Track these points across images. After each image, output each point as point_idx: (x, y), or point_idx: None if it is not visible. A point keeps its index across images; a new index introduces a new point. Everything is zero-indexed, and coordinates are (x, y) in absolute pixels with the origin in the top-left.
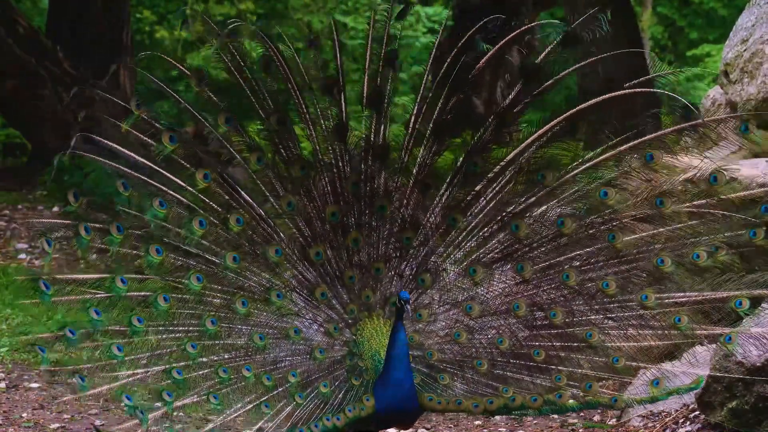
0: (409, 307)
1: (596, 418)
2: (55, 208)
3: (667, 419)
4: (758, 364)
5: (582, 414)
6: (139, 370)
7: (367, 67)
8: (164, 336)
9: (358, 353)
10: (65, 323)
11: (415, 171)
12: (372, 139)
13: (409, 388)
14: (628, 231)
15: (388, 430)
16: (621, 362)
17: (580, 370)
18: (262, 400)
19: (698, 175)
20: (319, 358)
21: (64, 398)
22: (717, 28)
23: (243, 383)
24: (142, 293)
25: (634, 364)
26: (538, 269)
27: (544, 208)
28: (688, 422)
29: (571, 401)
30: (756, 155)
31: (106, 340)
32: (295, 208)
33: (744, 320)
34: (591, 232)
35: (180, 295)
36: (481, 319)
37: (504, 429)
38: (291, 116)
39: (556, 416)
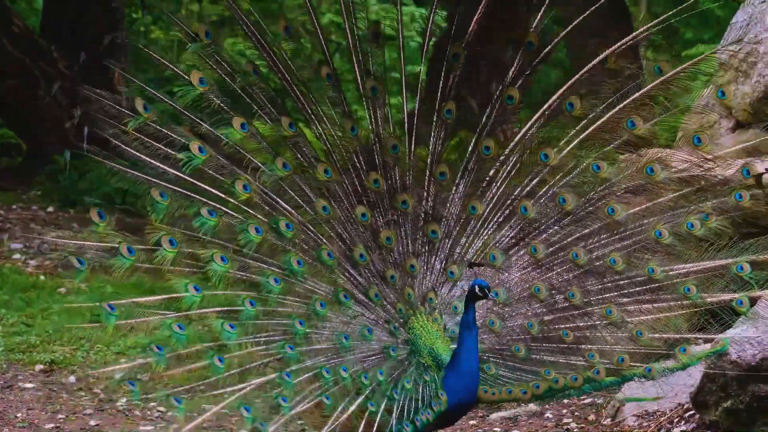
0: (490, 294)
1: (591, 417)
2: (50, 208)
3: (662, 419)
4: (753, 363)
5: (577, 413)
6: (242, 384)
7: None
8: (261, 341)
9: (417, 351)
10: (150, 341)
11: (429, 161)
12: (378, 131)
13: (476, 380)
14: (624, 204)
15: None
16: (644, 335)
17: (608, 347)
18: (366, 398)
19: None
20: (393, 356)
21: (173, 427)
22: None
23: (342, 383)
24: (219, 308)
25: (656, 335)
26: (549, 252)
27: (546, 187)
28: (683, 422)
29: (608, 377)
30: (749, 155)
31: (200, 354)
32: (330, 212)
33: (737, 321)
34: (590, 209)
35: (263, 297)
36: (508, 305)
37: (499, 429)
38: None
39: (556, 413)
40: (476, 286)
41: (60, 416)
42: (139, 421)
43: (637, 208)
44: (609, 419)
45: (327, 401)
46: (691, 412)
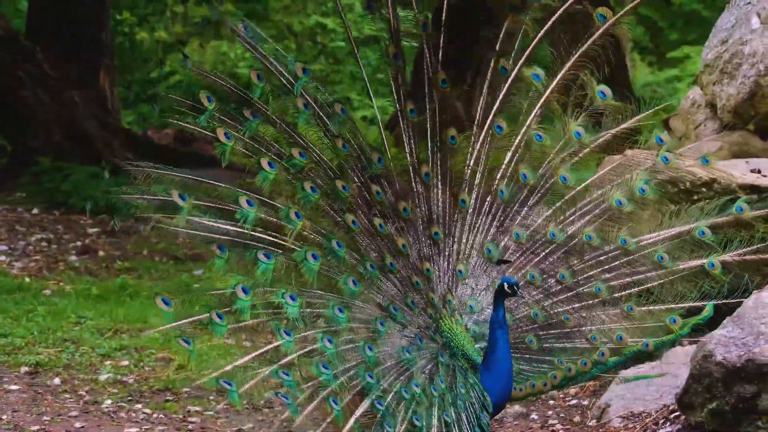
0: (520, 291)
1: (576, 419)
2: (35, 210)
3: (647, 420)
4: (738, 365)
5: (562, 415)
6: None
7: None
8: (349, 373)
9: (454, 354)
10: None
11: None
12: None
13: (512, 379)
14: (576, 173)
15: None
16: (635, 309)
17: (606, 326)
18: (440, 410)
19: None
20: (443, 362)
21: None
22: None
23: (419, 398)
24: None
25: (644, 308)
26: (528, 235)
27: (515, 163)
28: (669, 423)
29: (612, 357)
30: (735, 156)
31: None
32: (359, 225)
33: (724, 321)
34: (551, 181)
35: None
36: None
37: None
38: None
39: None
40: (505, 284)
41: (45, 418)
42: (124, 423)
43: (592, 178)
44: (594, 420)
45: (417, 422)
46: (677, 414)
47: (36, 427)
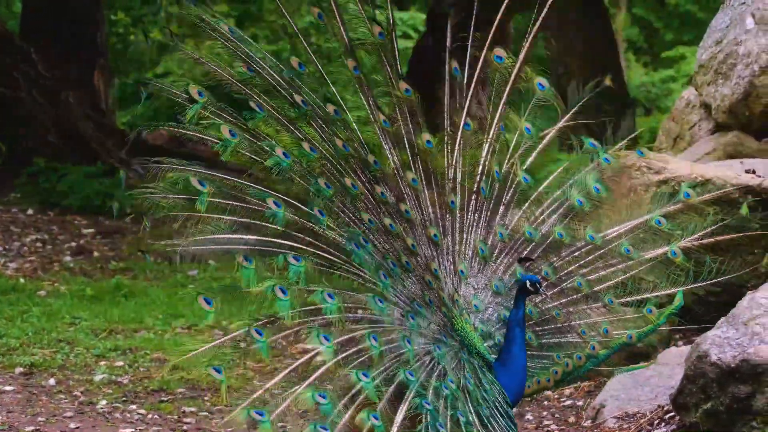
0: (543, 289)
1: (571, 419)
2: (30, 211)
3: (642, 420)
4: (733, 365)
5: (557, 415)
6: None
7: None
8: (390, 379)
9: (471, 352)
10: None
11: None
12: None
13: (526, 376)
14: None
15: None
16: (614, 302)
17: (592, 320)
18: (477, 404)
19: None
20: (465, 358)
21: None
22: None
23: (454, 391)
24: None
25: (623, 300)
26: (509, 233)
27: (488, 159)
28: (663, 423)
29: (602, 350)
30: (730, 156)
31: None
32: (375, 224)
33: (718, 322)
34: (516, 180)
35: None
36: (506, 294)
37: None
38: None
39: (537, 415)
40: (527, 281)
41: (40, 419)
42: (119, 424)
43: (548, 180)
44: (589, 421)
45: (461, 417)
46: (672, 414)
47: (31, 428)
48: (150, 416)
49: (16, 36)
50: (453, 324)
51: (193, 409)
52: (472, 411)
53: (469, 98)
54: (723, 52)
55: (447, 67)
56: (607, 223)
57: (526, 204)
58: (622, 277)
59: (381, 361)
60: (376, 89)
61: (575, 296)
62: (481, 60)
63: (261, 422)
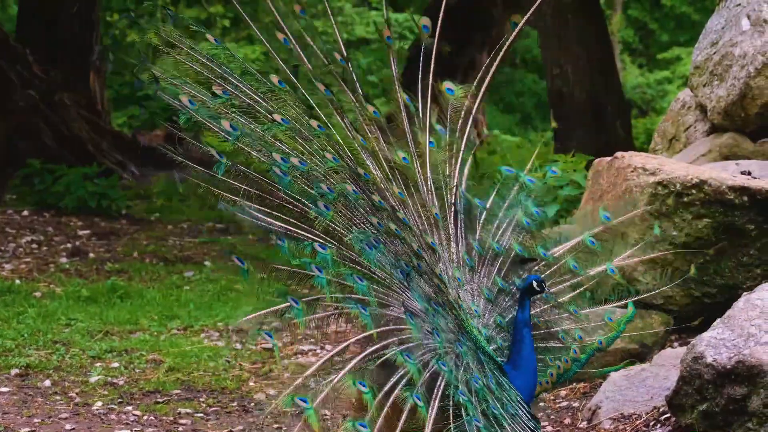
0: (548, 289)
1: (567, 421)
2: (25, 212)
3: (638, 422)
4: (728, 367)
5: (553, 417)
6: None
7: None
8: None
9: (484, 355)
10: None
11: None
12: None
13: (537, 378)
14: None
15: None
16: (579, 312)
17: (566, 327)
18: (502, 401)
19: None
20: (485, 360)
21: None
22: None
23: (483, 387)
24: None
25: (585, 311)
26: (480, 246)
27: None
28: (659, 425)
29: (582, 354)
30: (726, 158)
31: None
32: (384, 226)
33: (714, 323)
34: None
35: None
36: (496, 299)
37: None
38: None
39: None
40: (533, 282)
41: (35, 420)
42: (115, 425)
43: (489, 202)
44: (585, 422)
45: (495, 411)
46: (667, 415)
47: (26, 429)
48: (146, 417)
49: (11, 38)
50: (464, 326)
51: (188, 410)
52: (500, 407)
53: (428, 117)
54: (718, 54)
55: (400, 98)
56: (553, 241)
57: (482, 219)
58: (579, 290)
59: (419, 347)
60: (347, 112)
61: (546, 306)
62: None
63: (306, 409)
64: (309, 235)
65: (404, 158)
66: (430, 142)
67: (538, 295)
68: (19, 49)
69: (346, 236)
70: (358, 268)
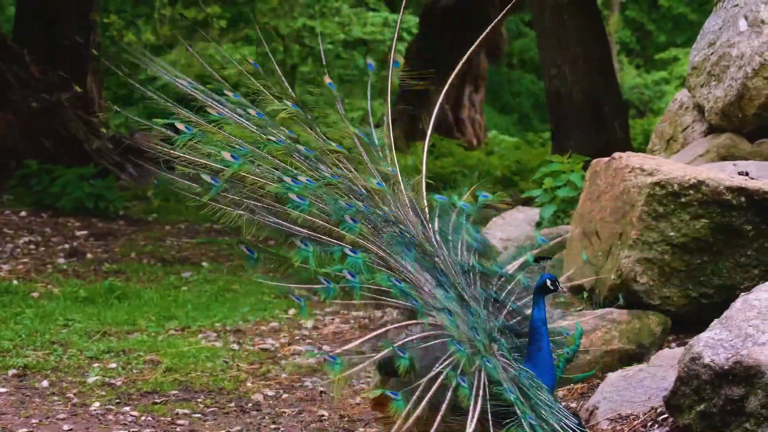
0: (561, 287)
1: None
2: (23, 213)
3: (635, 422)
4: (726, 367)
5: None
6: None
7: None
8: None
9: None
10: None
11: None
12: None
13: (554, 374)
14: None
15: None
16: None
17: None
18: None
19: None
20: (509, 358)
21: None
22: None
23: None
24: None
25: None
26: (452, 258)
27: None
28: (657, 425)
29: (559, 362)
30: (723, 158)
31: None
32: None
33: (712, 324)
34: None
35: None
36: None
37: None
38: None
39: None
40: (548, 280)
41: (33, 421)
42: (112, 426)
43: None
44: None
45: (541, 405)
46: (665, 416)
47: (24, 430)
48: (143, 418)
49: (9, 38)
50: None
51: (186, 411)
52: (541, 403)
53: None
54: (716, 54)
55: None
56: (505, 258)
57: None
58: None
59: (462, 342)
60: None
61: (519, 317)
62: None
63: (333, 363)
64: (334, 241)
65: (379, 183)
66: (392, 170)
67: (551, 294)
68: (17, 50)
69: (373, 243)
70: (391, 272)
